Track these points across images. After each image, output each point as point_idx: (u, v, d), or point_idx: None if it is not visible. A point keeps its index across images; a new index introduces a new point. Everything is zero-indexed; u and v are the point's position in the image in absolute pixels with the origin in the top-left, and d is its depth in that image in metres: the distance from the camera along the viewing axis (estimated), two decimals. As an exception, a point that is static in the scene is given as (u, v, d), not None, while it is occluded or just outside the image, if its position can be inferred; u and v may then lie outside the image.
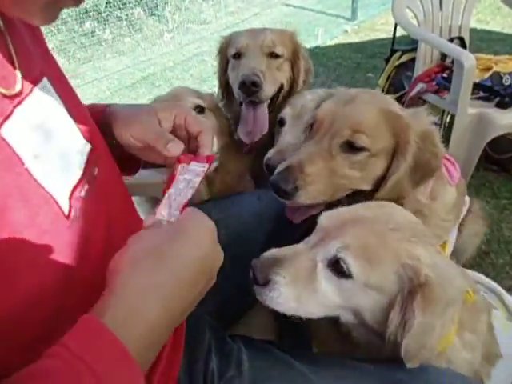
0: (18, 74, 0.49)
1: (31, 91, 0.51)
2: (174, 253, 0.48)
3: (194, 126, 0.69)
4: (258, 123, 1.21)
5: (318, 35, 4.27)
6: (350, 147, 0.84)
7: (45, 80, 0.54)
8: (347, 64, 3.74)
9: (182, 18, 4.97)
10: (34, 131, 0.49)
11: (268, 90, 1.20)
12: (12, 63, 0.49)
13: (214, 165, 1.07)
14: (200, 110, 1.13)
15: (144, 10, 4.91)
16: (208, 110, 1.15)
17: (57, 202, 0.50)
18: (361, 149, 0.84)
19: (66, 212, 0.51)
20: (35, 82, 0.52)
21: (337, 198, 0.87)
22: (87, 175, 0.58)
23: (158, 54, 4.33)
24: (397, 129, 0.84)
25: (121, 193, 0.72)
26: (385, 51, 3.09)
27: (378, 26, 4.53)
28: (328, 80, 3.51)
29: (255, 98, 1.19)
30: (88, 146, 0.60)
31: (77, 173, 0.56)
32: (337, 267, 0.67)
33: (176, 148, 0.64)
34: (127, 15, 4.79)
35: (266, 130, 1.22)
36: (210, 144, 0.69)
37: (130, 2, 4.78)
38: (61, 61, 4.28)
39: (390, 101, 0.91)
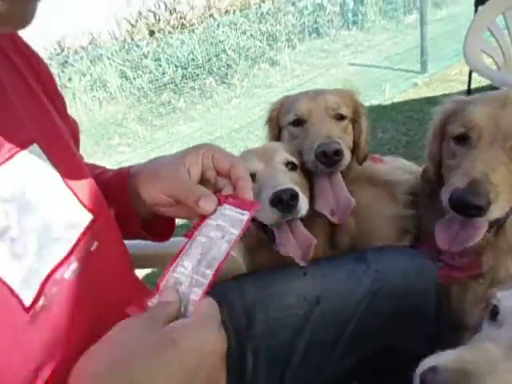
0: None
1: (9, 158, 0.45)
2: (148, 378, 0.37)
3: (224, 162, 0.62)
4: (341, 199, 1.02)
5: (385, 90, 4.15)
6: None
7: (33, 146, 0.49)
8: (418, 117, 3.53)
9: (249, 84, 5.25)
10: (5, 202, 0.42)
11: (347, 156, 1.03)
12: None
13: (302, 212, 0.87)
14: (292, 167, 1.00)
15: (215, 79, 5.29)
16: (299, 169, 1.02)
17: (12, 291, 0.40)
18: None
19: (28, 303, 0.41)
20: (19, 147, 0.46)
21: (508, 209, 0.79)
22: (79, 252, 0.51)
23: (226, 117, 4.53)
24: None
25: (122, 268, 0.63)
26: (460, 101, 2.85)
27: (451, 77, 4.30)
28: (398, 134, 3.31)
29: (335, 168, 1.01)
30: (89, 218, 0.54)
31: (60, 251, 0.48)
32: None
33: (208, 204, 0.57)
34: (200, 85, 5.18)
35: (352, 205, 1.02)
36: (248, 182, 0.60)
37: (202, 73, 5.20)
38: (139, 128, 4.68)
39: None
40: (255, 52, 5.78)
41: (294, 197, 0.82)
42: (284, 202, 0.80)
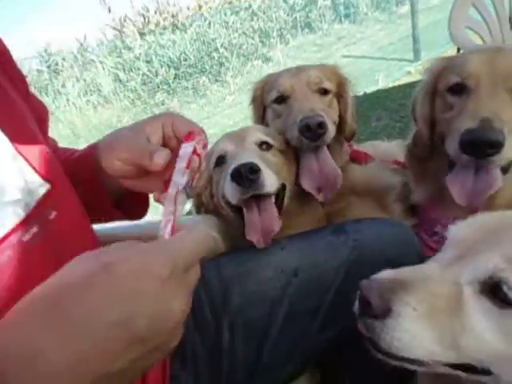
0: None
1: None
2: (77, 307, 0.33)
3: (183, 127, 0.60)
4: (328, 175, 1.00)
5: (378, 80, 4.13)
6: None
7: None
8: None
9: (243, 81, 5.23)
10: None
11: (331, 130, 1.01)
12: None
13: (278, 228, 0.85)
14: (267, 147, 0.98)
15: (208, 78, 5.28)
16: (276, 149, 1.00)
17: None
18: None
19: None
20: None
21: None
22: (38, 218, 0.51)
23: (220, 115, 4.51)
24: None
25: (85, 242, 0.61)
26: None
27: (444, 64, 4.27)
28: (391, 121, 3.28)
29: (320, 142, 0.99)
30: (45, 187, 0.54)
31: (15, 215, 0.48)
32: (496, 292, 0.46)
33: (161, 157, 0.56)
34: (193, 84, 5.17)
35: (339, 180, 0.99)
36: None
37: (195, 72, 5.19)
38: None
39: None
40: (247, 49, 5.77)
41: (254, 171, 0.80)
42: (243, 176, 0.79)
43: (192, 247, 0.40)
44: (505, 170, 0.80)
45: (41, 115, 0.70)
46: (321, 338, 0.72)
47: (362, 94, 3.84)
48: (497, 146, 0.72)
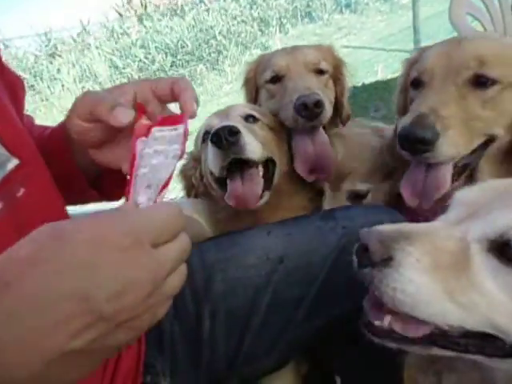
0: None
1: None
2: (31, 280, 0.31)
3: (164, 84, 0.53)
4: (322, 156, 0.96)
5: (377, 71, 4.07)
6: (479, 83, 0.76)
7: None
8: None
9: (240, 70, 5.13)
10: None
11: (328, 109, 0.98)
12: None
13: (264, 199, 0.85)
14: (253, 120, 0.94)
15: (206, 66, 5.20)
16: (264, 123, 0.96)
17: None
18: (492, 82, 0.75)
19: None
20: None
21: (470, 148, 0.76)
22: (4, 194, 0.48)
23: (217, 104, 4.45)
24: None
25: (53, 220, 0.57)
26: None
27: (445, 56, 4.21)
28: (389, 113, 3.24)
29: (317, 122, 0.95)
30: (13, 163, 0.51)
31: None
32: (504, 251, 0.44)
33: (123, 115, 0.49)
34: (190, 72, 5.10)
35: (331, 163, 0.97)
36: (191, 92, 0.52)
37: (192, 60, 5.11)
38: (129, 118, 4.61)
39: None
40: (246, 37, 5.68)
41: (233, 132, 0.77)
42: (222, 137, 0.76)
43: (158, 222, 0.36)
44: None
45: (15, 89, 0.66)
46: (307, 327, 0.69)
47: (360, 84, 3.79)
48: (427, 143, 0.70)
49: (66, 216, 0.61)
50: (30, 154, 0.55)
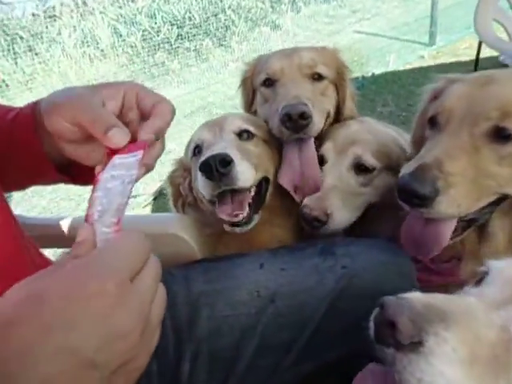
0: None
1: None
2: (16, 345, 0.31)
3: (148, 100, 0.54)
4: (308, 175, 0.90)
5: (389, 61, 3.93)
6: (498, 137, 0.68)
7: None
8: (421, 92, 3.34)
9: (248, 48, 4.98)
10: None
11: (318, 121, 0.91)
12: None
13: (252, 223, 0.80)
14: (248, 136, 0.89)
15: (212, 41, 5.01)
16: (259, 138, 0.90)
17: None
18: None
19: None
20: None
21: (477, 207, 0.69)
22: None
23: (221, 82, 4.32)
24: None
25: (8, 238, 0.53)
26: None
27: (460, 51, 4.07)
28: (397, 109, 3.15)
29: (303, 134, 0.89)
30: None
31: None
32: None
33: (119, 136, 0.48)
34: (196, 46, 4.92)
35: (318, 183, 0.90)
36: (166, 121, 0.53)
37: (199, 34, 4.92)
38: (130, 90, 4.47)
39: None
40: (256, 13, 5.46)
41: (226, 162, 0.71)
42: (213, 168, 0.71)
43: (129, 255, 0.36)
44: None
45: None
46: (295, 372, 0.64)
47: (370, 74, 3.67)
48: (425, 199, 0.66)
49: (16, 234, 0.56)
50: None
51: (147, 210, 2.45)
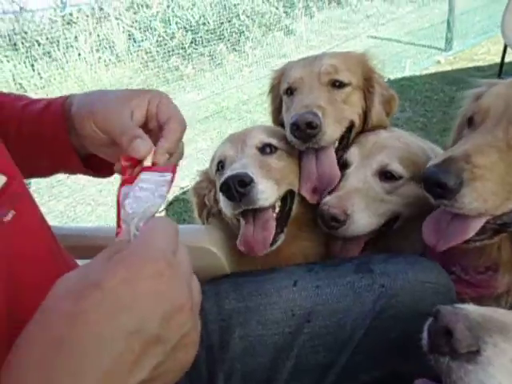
0: None
1: None
2: (86, 333, 0.32)
3: (163, 113, 0.58)
4: (324, 175, 0.89)
5: (405, 67, 3.90)
6: None
7: None
8: (438, 98, 3.30)
9: (262, 53, 4.98)
10: None
11: (331, 131, 0.88)
12: None
13: (277, 243, 0.78)
14: (270, 150, 0.87)
15: (226, 46, 5.03)
16: (283, 151, 0.89)
17: None
18: None
19: None
20: None
21: (507, 208, 0.66)
22: None
23: (235, 87, 4.32)
24: None
25: (42, 245, 0.53)
26: (487, 83, 2.63)
27: (477, 57, 4.01)
28: (415, 115, 3.11)
29: (314, 144, 0.87)
30: (1, 179, 0.47)
31: None
32: None
33: (143, 147, 0.52)
34: (210, 51, 4.93)
35: (335, 181, 0.89)
36: (176, 139, 0.57)
37: (213, 39, 4.94)
38: (144, 94, 4.50)
39: None
40: (270, 19, 5.46)
41: (245, 183, 0.70)
42: (232, 189, 0.69)
43: (166, 236, 0.38)
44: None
45: None
46: None
47: (386, 80, 3.63)
48: (448, 190, 0.64)
49: (53, 244, 0.56)
50: (14, 170, 0.50)
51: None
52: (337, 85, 0.96)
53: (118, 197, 0.48)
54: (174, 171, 0.51)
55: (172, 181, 0.51)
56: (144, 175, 0.50)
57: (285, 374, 0.61)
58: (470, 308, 0.41)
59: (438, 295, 0.64)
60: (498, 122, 0.68)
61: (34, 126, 0.63)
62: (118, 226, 0.45)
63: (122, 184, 0.49)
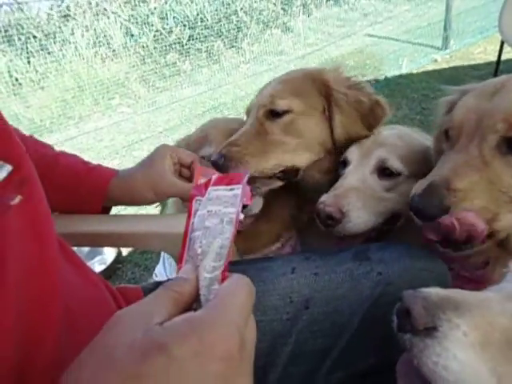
0: None
1: None
2: None
3: (186, 158, 0.79)
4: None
5: (401, 65, 3.91)
6: (508, 147, 0.66)
7: None
8: (435, 96, 3.31)
9: (259, 50, 4.98)
10: None
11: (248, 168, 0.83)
12: None
13: (255, 210, 0.85)
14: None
15: (224, 43, 5.02)
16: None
17: None
18: None
19: None
20: None
21: (503, 223, 0.66)
22: None
23: (232, 83, 4.32)
24: None
25: (48, 232, 0.52)
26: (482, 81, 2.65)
27: (473, 56, 4.03)
28: (411, 113, 3.12)
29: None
30: (6, 168, 0.46)
31: None
32: None
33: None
34: (207, 47, 4.92)
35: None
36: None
37: (210, 35, 4.93)
38: (141, 90, 4.49)
39: None
40: (268, 16, 5.46)
41: None
42: None
43: (245, 310, 0.35)
44: None
45: None
46: (328, 380, 0.62)
47: (383, 78, 3.65)
48: (436, 217, 0.66)
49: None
50: (22, 159, 0.49)
51: (158, 210, 2.44)
52: (274, 114, 0.89)
53: (190, 210, 0.44)
54: (239, 182, 0.44)
55: (243, 194, 0.43)
56: (213, 191, 0.45)
57: (283, 358, 0.61)
58: (433, 290, 0.44)
59: (434, 283, 0.64)
60: (471, 138, 0.69)
61: (72, 179, 0.77)
62: (180, 260, 0.41)
63: (192, 197, 0.45)
